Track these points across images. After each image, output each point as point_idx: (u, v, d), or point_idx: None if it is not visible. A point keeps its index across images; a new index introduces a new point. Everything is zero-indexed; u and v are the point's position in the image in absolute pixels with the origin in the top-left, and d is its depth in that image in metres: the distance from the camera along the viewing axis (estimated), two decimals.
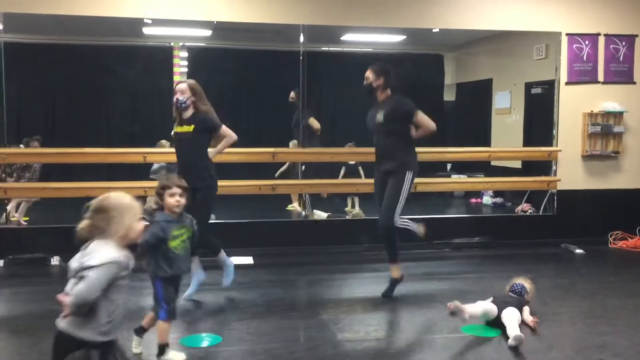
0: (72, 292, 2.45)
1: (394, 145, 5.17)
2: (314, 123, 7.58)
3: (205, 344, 4.06)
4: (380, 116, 5.16)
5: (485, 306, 4.34)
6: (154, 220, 3.57)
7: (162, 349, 3.63)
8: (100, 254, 2.48)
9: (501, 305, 4.37)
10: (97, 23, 7.24)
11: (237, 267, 6.08)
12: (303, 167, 7.46)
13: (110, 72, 9.88)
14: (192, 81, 5.11)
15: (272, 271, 6.03)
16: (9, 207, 6.96)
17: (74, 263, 2.54)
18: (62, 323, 2.54)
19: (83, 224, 2.55)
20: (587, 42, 7.35)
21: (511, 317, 4.23)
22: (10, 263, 6.18)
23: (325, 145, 8.07)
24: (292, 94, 7.75)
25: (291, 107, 7.85)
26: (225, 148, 5.18)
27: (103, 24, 7.51)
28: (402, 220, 5.16)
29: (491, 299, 4.52)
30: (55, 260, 6.23)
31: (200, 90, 5.03)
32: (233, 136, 5.13)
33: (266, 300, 5.06)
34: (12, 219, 6.96)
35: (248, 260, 6.34)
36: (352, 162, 8.23)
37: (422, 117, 5.18)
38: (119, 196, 2.65)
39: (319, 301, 5.10)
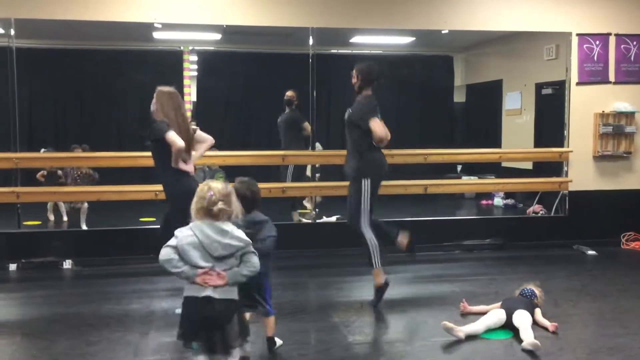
0: (248, 266, 2.93)
1: (350, 150, 5.10)
2: (307, 126, 7.54)
3: None
4: (345, 116, 5.09)
5: (487, 322, 4.30)
6: (261, 220, 3.69)
7: (274, 340, 3.95)
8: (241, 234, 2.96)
9: (511, 308, 4.35)
10: (108, 28, 7.29)
11: None
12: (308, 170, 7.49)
13: (121, 77, 9.95)
14: (160, 88, 4.93)
15: (283, 274, 6.03)
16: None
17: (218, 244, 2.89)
18: (216, 293, 2.88)
19: (217, 208, 2.90)
20: (597, 42, 7.31)
21: (524, 320, 4.21)
22: (23, 267, 6.23)
23: (332, 148, 8.06)
24: (290, 93, 7.69)
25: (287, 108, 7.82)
26: (205, 151, 5.06)
27: (113, 29, 7.56)
28: (368, 234, 4.98)
29: (500, 303, 4.51)
30: (67, 264, 6.27)
31: (166, 98, 4.83)
32: (210, 139, 5.02)
33: (277, 303, 5.03)
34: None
35: None
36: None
37: (374, 125, 4.86)
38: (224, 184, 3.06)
39: (329, 304, 5.10)
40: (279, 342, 4.03)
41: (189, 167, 4.80)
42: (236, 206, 3.00)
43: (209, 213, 2.91)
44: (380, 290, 5.03)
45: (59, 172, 7.20)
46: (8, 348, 4.09)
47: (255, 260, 2.97)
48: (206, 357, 2.95)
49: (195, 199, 2.95)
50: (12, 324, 4.61)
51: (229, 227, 2.91)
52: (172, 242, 2.91)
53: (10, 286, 5.84)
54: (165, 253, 2.89)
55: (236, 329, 2.94)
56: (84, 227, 7.02)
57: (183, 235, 2.90)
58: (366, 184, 4.96)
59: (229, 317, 2.91)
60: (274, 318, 3.91)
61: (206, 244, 2.86)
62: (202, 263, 2.86)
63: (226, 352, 2.93)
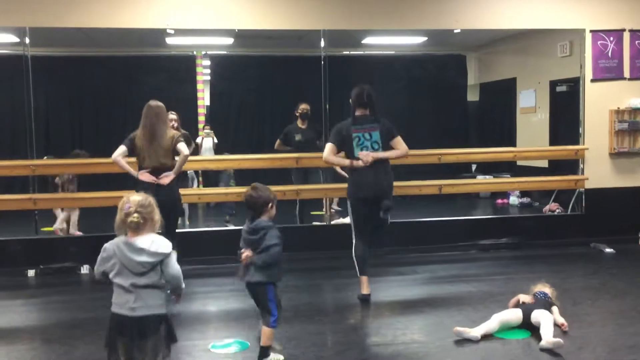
0: (165, 275, 2.96)
1: None
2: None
3: (233, 349, 4.09)
4: None
5: (502, 317, 4.29)
6: (264, 226, 3.66)
7: (267, 351, 3.72)
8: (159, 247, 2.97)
9: (529, 308, 4.32)
10: (121, 35, 7.37)
11: None
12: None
13: (134, 82, 10.03)
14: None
15: (298, 276, 6.04)
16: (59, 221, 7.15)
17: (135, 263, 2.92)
18: (141, 311, 2.92)
19: (132, 219, 2.92)
20: (611, 38, 7.25)
21: (545, 319, 4.16)
22: (41, 273, 6.28)
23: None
24: (305, 106, 7.44)
25: (311, 114, 7.70)
26: (182, 165, 5.16)
27: (127, 36, 7.63)
28: (354, 250, 5.22)
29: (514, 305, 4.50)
30: (84, 269, 6.32)
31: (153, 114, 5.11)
32: (185, 152, 5.11)
33: (293, 305, 5.07)
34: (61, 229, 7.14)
35: None
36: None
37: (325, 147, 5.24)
38: None
39: (345, 305, 5.10)
40: (277, 357, 3.80)
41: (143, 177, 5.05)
42: (156, 217, 2.99)
43: (127, 225, 2.92)
44: (361, 295, 5.19)
45: (56, 179, 7.22)
46: (27, 354, 4.13)
47: (169, 268, 2.95)
48: None
49: (117, 211, 2.97)
50: (31, 330, 4.65)
51: (145, 242, 2.91)
52: (101, 255, 2.97)
53: (29, 292, 5.89)
54: (95, 272, 3.02)
55: (161, 341, 2.96)
56: (79, 233, 7.06)
57: (107, 253, 2.96)
58: (349, 204, 5.28)
59: (155, 329, 2.94)
60: (272, 331, 3.70)
61: (125, 263, 2.91)
62: (122, 283, 2.92)
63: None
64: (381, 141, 5.11)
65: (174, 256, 2.99)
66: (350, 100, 5.23)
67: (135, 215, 2.89)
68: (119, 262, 2.92)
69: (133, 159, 5.15)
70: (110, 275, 2.94)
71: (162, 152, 5.04)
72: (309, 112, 7.41)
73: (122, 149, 5.09)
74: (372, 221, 5.16)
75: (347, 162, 5.16)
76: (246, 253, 3.65)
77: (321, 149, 5.59)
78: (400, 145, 5.18)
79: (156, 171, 5.03)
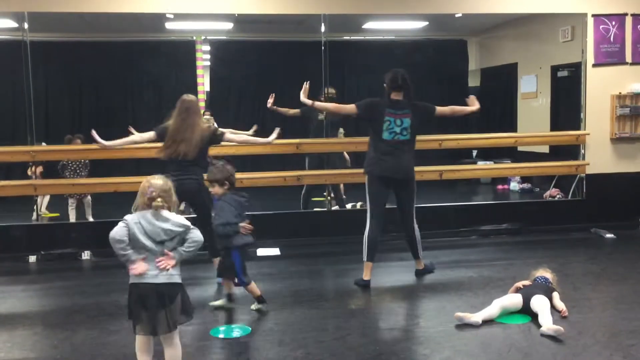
0: (189, 242, 3.21)
1: None
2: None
3: (235, 334, 4.10)
4: None
5: (503, 302, 4.30)
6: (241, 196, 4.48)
7: (261, 299, 4.54)
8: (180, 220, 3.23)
9: (529, 293, 4.33)
10: (120, 19, 7.32)
11: (264, 258, 6.14)
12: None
13: (134, 68, 9.99)
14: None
15: (299, 262, 6.05)
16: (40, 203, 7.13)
17: (160, 230, 3.16)
18: (160, 278, 3.15)
19: (156, 203, 3.15)
20: (613, 23, 7.20)
21: (543, 305, 4.18)
22: (42, 259, 6.29)
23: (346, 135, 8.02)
24: (331, 90, 7.30)
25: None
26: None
27: (126, 20, 7.59)
28: (365, 232, 5.30)
29: (514, 289, 4.50)
30: (85, 255, 6.33)
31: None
32: (241, 135, 5.53)
33: (294, 290, 5.08)
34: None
35: (275, 251, 6.38)
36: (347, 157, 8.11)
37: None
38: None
39: (346, 291, 5.11)
40: (260, 306, 4.51)
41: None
42: (174, 200, 3.26)
43: (150, 206, 3.16)
44: (360, 280, 5.21)
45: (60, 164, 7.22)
46: (29, 339, 4.15)
47: (194, 236, 3.22)
48: (148, 337, 3.22)
49: (138, 194, 3.21)
50: (33, 315, 4.66)
51: (169, 215, 3.19)
52: (124, 224, 3.14)
53: (31, 277, 5.90)
54: (119, 233, 3.11)
55: (179, 308, 3.22)
56: (90, 219, 7.12)
57: (132, 221, 3.14)
58: (366, 179, 5.32)
59: (173, 298, 3.17)
60: (254, 284, 4.52)
61: (149, 230, 3.13)
62: (148, 245, 3.13)
63: (171, 329, 3.20)
64: (411, 129, 5.17)
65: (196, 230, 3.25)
66: (385, 84, 5.23)
67: (159, 199, 3.14)
68: (141, 232, 3.11)
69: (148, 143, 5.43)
70: (130, 246, 3.12)
71: (196, 144, 5.10)
72: (335, 97, 7.27)
73: (150, 134, 5.29)
74: (388, 203, 5.31)
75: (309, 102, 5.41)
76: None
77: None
78: (444, 110, 5.43)
79: (187, 162, 5.09)
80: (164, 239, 3.15)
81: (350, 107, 5.28)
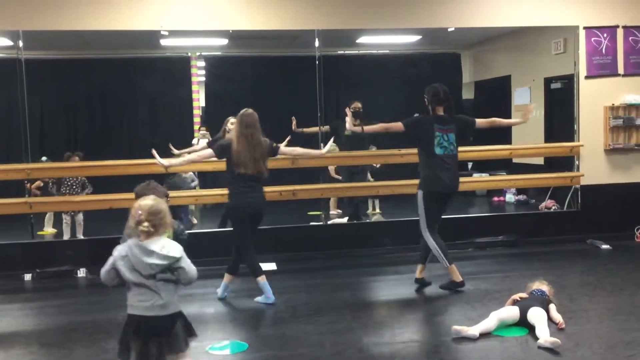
0: (182, 279, 3.03)
1: None
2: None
3: (231, 350, 4.08)
4: None
5: (500, 315, 4.30)
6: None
7: None
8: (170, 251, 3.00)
9: (526, 305, 4.33)
10: (115, 37, 7.33)
11: None
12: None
13: (129, 85, 10.00)
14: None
15: (296, 276, 6.04)
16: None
17: (145, 264, 2.95)
18: (160, 311, 2.99)
19: (143, 227, 2.96)
20: (605, 35, 7.26)
21: (539, 317, 4.18)
22: (38, 277, 6.27)
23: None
24: (356, 103, 7.27)
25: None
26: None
27: (121, 38, 7.59)
28: (429, 240, 5.34)
29: (511, 301, 4.50)
30: (81, 272, 6.31)
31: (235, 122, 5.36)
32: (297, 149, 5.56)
33: (291, 305, 5.07)
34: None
35: (271, 266, 6.36)
36: (377, 165, 8.20)
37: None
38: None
39: (343, 305, 5.10)
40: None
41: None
42: (168, 221, 3.05)
43: (139, 231, 2.98)
44: (453, 284, 5.31)
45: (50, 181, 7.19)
46: (25, 357, 4.12)
47: (185, 272, 3.01)
48: None
49: (129, 217, 3.04)
50: (29, 334, 4.64)
51: (155, 245, 2.96)
52: (109, 261, 3.00)
53: (26, 296, 5.87)
54: (106, 278, 3.01)
55: (181, 335, 3.05)
56: (81, 237, 7.04)
57: (119, 256, 2.99)
58: (419, 195, 5.38)
59: (171, 328, 3.01)
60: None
61: (136, 264, 2.95)
62: (137, 280, 2.96)
63: (178, 353, 3.04)
64: (455, 142, 5.36)
65: (187, 259, 3.04)
66: (426, 100, 5.34)
67: (146, 224, 2.95)
68: (129, 268, 2.96)
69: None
70: (126, 277, 2.97)
71: (261, 158, 5.12)
72: (360, 110, 7.28)
73: (208, 152, 5.26)
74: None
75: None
76: None
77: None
78: (484, 122, 5.63)
79: (254, 178, 5.10)
80: (150, 273, 2.95)
81: (398, 126, 5.37)
